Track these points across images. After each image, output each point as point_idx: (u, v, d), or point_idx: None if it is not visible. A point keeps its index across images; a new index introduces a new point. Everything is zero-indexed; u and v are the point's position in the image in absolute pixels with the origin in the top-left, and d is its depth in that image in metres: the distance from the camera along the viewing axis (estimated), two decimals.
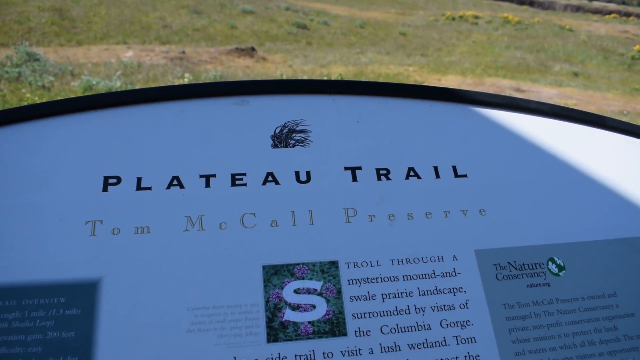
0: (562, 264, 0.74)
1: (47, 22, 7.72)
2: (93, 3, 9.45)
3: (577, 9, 19.47)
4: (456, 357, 0.65)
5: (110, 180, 0.70)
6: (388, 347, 0.64)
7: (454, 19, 14.00)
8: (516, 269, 0.72)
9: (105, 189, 0.69)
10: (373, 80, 0.83)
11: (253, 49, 7.43)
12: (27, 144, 0.71)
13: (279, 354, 0.62)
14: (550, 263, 0.74)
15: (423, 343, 0.65)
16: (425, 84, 0.84)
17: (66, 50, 6.63)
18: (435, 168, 0.78)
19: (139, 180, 0.70)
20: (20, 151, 0.70)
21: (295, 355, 0.62)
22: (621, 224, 0.79)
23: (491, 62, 9.24)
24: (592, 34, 14.73)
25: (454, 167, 0.79)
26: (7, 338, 0.60)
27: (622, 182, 0.83)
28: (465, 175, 0.79)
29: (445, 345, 0.66)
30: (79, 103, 0.74)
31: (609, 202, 0.81)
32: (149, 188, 0.70)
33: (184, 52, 6.91)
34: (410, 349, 0.64)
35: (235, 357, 0.61)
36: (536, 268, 0.73)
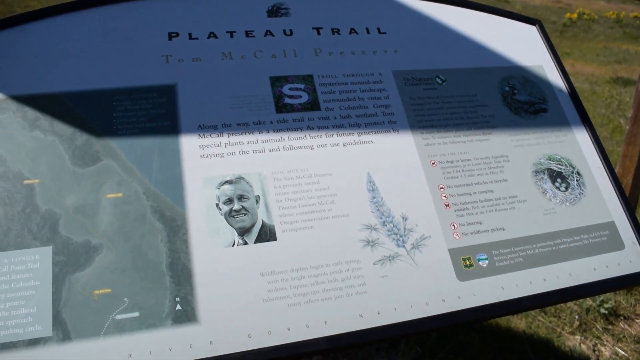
0: (444, 79, 1.25)
1: None
2: None
3: None
4: (383, 122, 1.15)
5: (172, 35, 1.16)
6: (344, 115, 1.13)
7: None
8: (417, 80, 1.23)
9: (169, 39, 1.15)
10: None
11: None
12: (120, 17, 1.16)
13: (283, 118, 1.10)
14: (437, 78, 1.25)
15: (363, 115, 1.15)
16: None
17: None
18: (367, 28, 1.28)
19: (189, 34, 1.17)
20: (114, 21, 1.15)
21: (292, 119, 1.10)
22: (483, 60, 1.31)
23: None
24: (527, 4, 15.53)
25: (378, 28, 1.29)
26: (124, 114, 1.06)
27: (485, 39, 1.35)
28: (385, 33, 1.28)
29: (376, 116, 1.15)
30: None
31: (478, 48, 1.32)
32: (197, 38, 1.17)
33: None
34: (357, 117, 1.14)
35: (259, 120, 1.09)
36: (429, 80, 1.24)
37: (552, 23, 12.73)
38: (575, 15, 12.75)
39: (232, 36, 1.19)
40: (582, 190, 1.20)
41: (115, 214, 0.98)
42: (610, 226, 1.18)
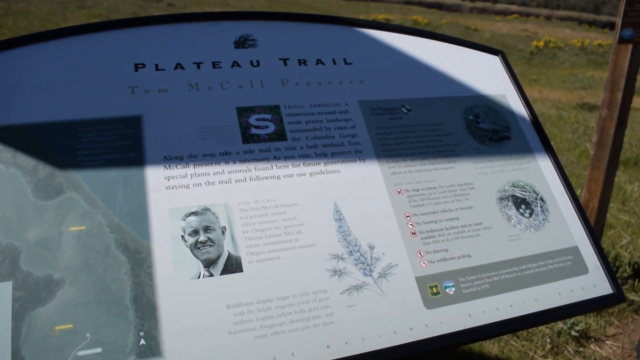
0: (409, 108, 1.27)
1: None
2: None
3: (482, 10, 21.00)
4: (349, 152, 1.16)
5: (139, 66, 1.16)
6: (311, 145, 1.14)
7: None
8: (382, 110, 1.25)
9: (136, 70, 1.15)
10: (294, 12, 1.34)
11: None
12: (86, 48, 1.16)
13: (249, 148, 1.10)
14: (402, 107, 1.27)
15: (330, 144, 1.16)
16: (323, 14, 1.30)
17: None
18: (333, 59, 1.30)
19: (156, 65, 1.17)
20: (80, 52, 1.15)
21: (259, 150, 1.11)
22: (448, 89, 1.34)
23: None
24: (496, 33, 15.97)
25: (345, 59, 1.31)
26: (88, 145, 1.05)
27: (449, 69, 1.38)
28: (351, 64, 1.31)
29: (342, 145, 1.17)
30: (120, 23, 1.20)
31: (442, 78, 1.35)
32: (163, 69, 1.17)
33: None
34: (323, 147, 1.15)
35: (225, 151, 1.09)
36: (394, 110, 1.26)
37: (520, 51, 13.07)
38: (541, 44, 13.14)
39: (199, 67, 1.19)
40: (546, 216, 1.23)
41: (78, 247, 0.96)
42: (574, 251, 1.20)
